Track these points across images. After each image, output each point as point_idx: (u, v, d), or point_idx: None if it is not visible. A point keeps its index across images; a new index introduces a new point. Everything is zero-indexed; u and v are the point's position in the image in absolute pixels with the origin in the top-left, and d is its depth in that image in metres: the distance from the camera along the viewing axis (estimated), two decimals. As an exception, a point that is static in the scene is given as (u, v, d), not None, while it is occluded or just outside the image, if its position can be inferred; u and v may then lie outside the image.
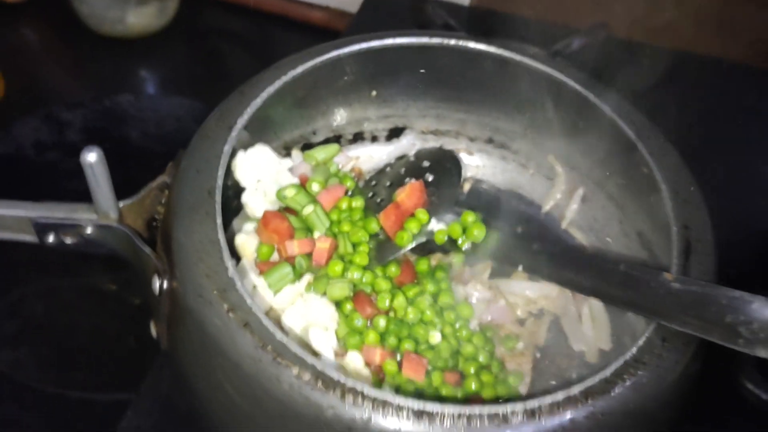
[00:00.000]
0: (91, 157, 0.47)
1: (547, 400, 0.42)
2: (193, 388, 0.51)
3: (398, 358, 0.58)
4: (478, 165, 0.79)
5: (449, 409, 0.41)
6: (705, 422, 0.62)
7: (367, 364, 0.57)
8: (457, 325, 0.62)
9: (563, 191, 0.75)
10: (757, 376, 0.58)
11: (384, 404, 0.41)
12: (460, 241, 0.64)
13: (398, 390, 0.56)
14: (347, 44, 0.68)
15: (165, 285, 0.49)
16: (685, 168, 0.58)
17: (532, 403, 0.42)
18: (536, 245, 0.60)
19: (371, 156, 0.78)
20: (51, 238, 0.53)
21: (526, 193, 0.78)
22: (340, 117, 0.76)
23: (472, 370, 0.59)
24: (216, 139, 0.56)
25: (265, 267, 0.59)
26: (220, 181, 0.52)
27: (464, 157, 0.79)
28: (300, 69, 0.63)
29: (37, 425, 0.74)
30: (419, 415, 0.41)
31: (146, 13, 1.03)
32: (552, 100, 0.70)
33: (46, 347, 0.81)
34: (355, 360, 0.56)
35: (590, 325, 0.67)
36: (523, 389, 0.61)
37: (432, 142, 0.80)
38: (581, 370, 0.64)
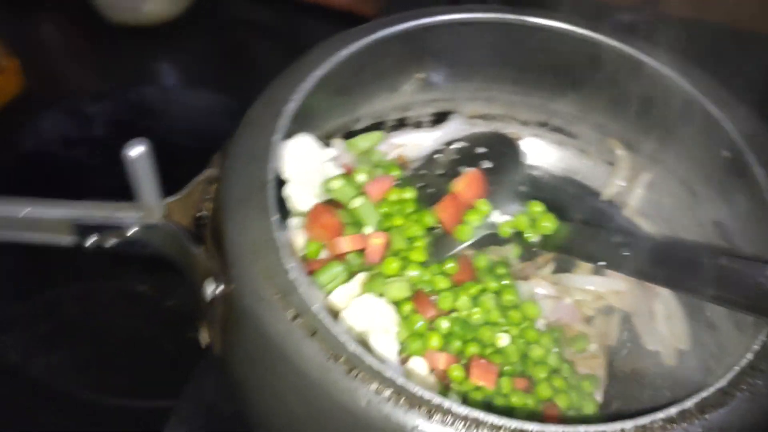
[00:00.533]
0: (136, 151, 0.42)
1: (660, 415, 0.37)
2: (249, 397, 0.47)
3: (462, 362, 0.54)
4: (530, 150, 0.74)
5: (551, 429, 0.36)
6: None
7: (431, 370, 0.52)
8: (523, 326, 0.57)
9: (626, 176, 0.70)
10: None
11: (477, 423, 0.37)
12: (527, 234, 0.59)
13: (465, 398, 0.52)
14: (393, 23, 0.62)
15: (221, 287, 0.45)
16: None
17: (643, 420, 0.37)
18: (618, 237, 0.55)
19: (417, 143, 0.73)
20: (91, 240, 0.48)
21: (585, 179, 0.73)
22: (383, 102, 0.71)
23: (543, 375, 0.55)
24: (264, 128, 0.51)
25: (314, 265, 0.54)
26: (271, 174, 0.47)
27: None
28: (346, 51, 0.58)
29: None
30: (517, 435, 0.36)
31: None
32: (617, 77, 0.65)
33: (81, 351, 0.79)
34: (419, 366, 0.52)
35: (665, 322, 0.62)
36: (598, 396, 0.56)
37: (480, 127, 0.75)
38: (658, 373, 0.59)
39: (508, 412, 0.48)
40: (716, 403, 0.39)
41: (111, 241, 0.49)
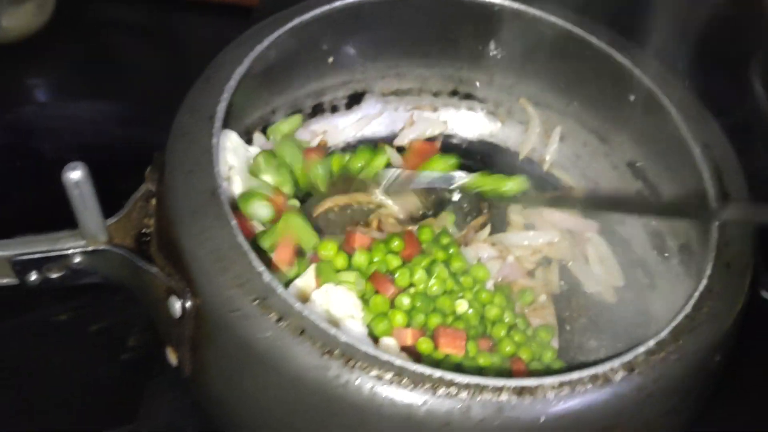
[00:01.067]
0: (76, 174, 0.40)
1: (641, 349, 0.40)
2: (233, 413, 0.45)
3: (428, 335, 0.55)
4: (445, 120, 0.76)
5: (549, 380, 0.38)
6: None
7: (401, 347, 0.53)
8: (476, 289, 0.59)
9: (538, 133, 0.73)
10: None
11: (481, 389, 0.38)
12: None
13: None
14: (295, 15, 0.62)
15: (188, 305, 0.43)
16: (684, 86, 0.57)
17: (628, 356, 0.40)
18: None
19: (337, 127, 0.73)
20: (34, 276, 0.45)
21: (500, 141, 0.76)
22: (296, 91, 0.70)
23: (502, 333, 0.57)
24: (198, 134, 0.49)
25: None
26: (221, 180, 0.46)
27: (428, 114, 0.76)
28: (265, 43, 0.57)
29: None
30: (520, 392, 0.38)
31: (22, 13, 0.92)
32: (516, 37, 0.68)
33: (12, 395, 0.73)
34: (390, 346, 0.52)
35: (599, 264, 0.66)
36: (555, 343, 0.59)
37: (393, 103, 0.76)
38: (602, 311, 0.63)
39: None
40: (686, 328, 0.42)
41: (56, 274, 0.45)
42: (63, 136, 0.92)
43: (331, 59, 0.69)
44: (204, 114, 0.51)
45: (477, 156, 0.75)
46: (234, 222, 0.44)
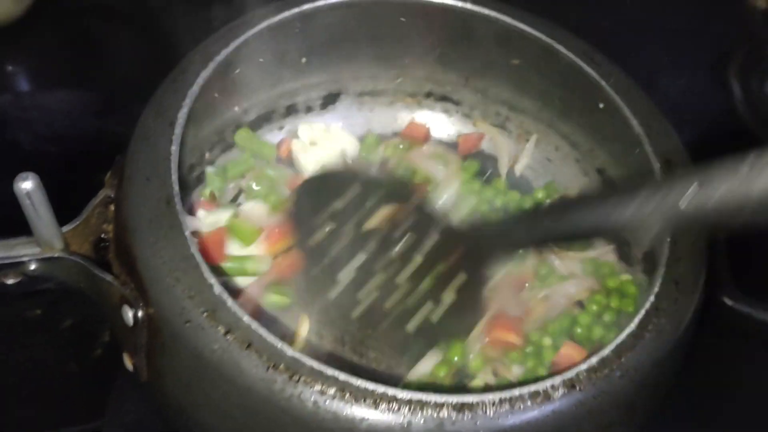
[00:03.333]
0: (28, 184, 0.40)
1: (584, 366, 0.41)
2: (189, 420, 0.46)
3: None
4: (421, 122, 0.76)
5: (489, 397, 0.39)
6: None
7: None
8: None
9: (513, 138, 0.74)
10: (736, 292, 0.60)
11: (422, 405, 0.38)
12: None
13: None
14: (268, 16, 0.62)
15: (140, 314, 0.43)
16: (646, 98, 0.58)
17: (570, 374, 0.40)
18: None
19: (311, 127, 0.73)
20: (-11, 282, 0.45)
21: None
22: (269, 91, 0.70)
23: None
24: (158, 140, 0.49)
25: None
26: (176, 187, 0.46)
27: (403, 112, 0.76)
28: (231, 47, 0.57)
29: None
30: (460, 408, 0.39)
31: (1, 0, 0.91)
32: (488, 42, 0.68)
33: (-22, 392, 0.73)
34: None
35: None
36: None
37: (369, 104, 0.76)
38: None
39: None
40: (630, 346, 0.42)
41: (12, 280, 0.46)
42: (38, 126, 0.92)
43: (304, 60, 0.69)
44: (166, 119, 0.51)
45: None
46: (188, 233, 0.44)
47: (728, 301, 0.62)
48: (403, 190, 0.61)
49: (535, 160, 0.73)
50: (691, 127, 0.80)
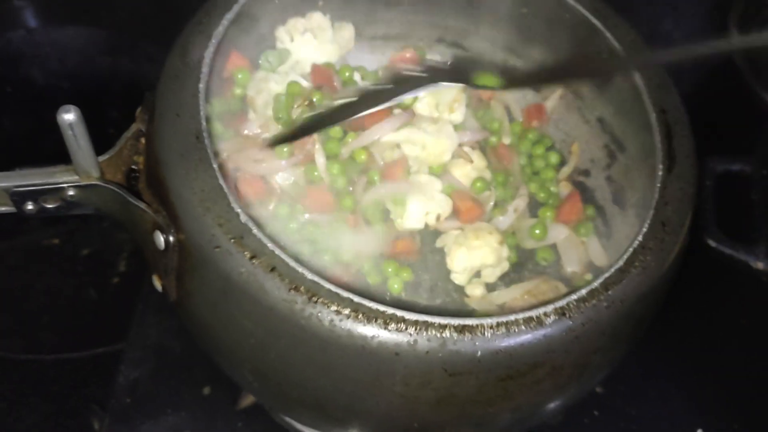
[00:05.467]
0: (70, 116, 0.43)
1: (574, 296, 0.45)
2: (214, 337, 0.51)
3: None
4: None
5: (488, 321, 0.43)
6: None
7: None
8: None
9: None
10: (719, 234, 0.64)
11: (427, 325, 0.43)
12: None
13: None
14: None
15: (171, 239, 0.47)
16: (649, 50, 0.60)
17: (561, 303, 0.45)
18: None
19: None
20: (30, 206, 0.49)
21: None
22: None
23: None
24: (187, 78, 0.52)
25: None
26: (204, 123, 0.50)
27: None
28: (254, -12, 0.59)
29: (16, 395, 0.72)
30: (461, 330, 0.43)
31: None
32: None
33: (4, 314, 0.77)
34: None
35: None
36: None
37: (381, 48, 0.78)
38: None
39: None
40: (617, 280, 0.47)
41: (51, 205, 0.50)
42: (51, 63, 0.94)
43: (321, 2, 0.71)
44: (193, 58, 0.54)
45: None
46: (216, 165, 0.48)
47: (712, 243, 0.66)
48: None
49: (541, 107, 0.76)
50: (692, 75, 0.83)
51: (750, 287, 0.75)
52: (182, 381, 0.70)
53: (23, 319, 0.79)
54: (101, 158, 0.51)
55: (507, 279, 0.62)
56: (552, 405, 0.51)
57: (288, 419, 0.65)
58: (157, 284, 0.52)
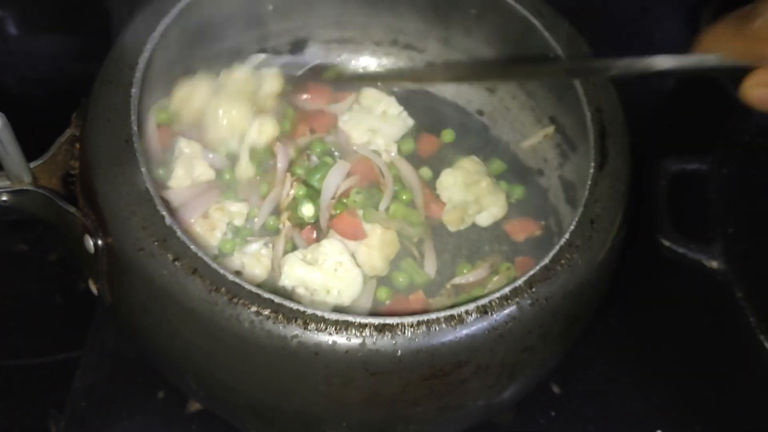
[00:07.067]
0: (-5, 122, 0.44)
1: (496, 294, 0.45)
2: (146, 338, 0.51)
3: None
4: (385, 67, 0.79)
5: (408, 320, 0.43)
6: (629, 284, 0.68)
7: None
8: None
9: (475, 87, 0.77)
10: (673, 233, 0.64)
11: (347, 325, 0.43)
12: None
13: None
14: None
15: (99, 243, 0.48)
16: (589, 50, 0.60)
17: (483, 301, 0.45)
18: None
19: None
20: (-37, 213, 0.49)
21: (437, 91, 0.79)
22: (238, 36, 0.73)
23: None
24: (120, 84, 0.53)
25: None
26: (135, 128, 0.50)
27: (369, 59, 0.78)
28: (189, -5, 0.59)
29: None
30: (381, 329, 0.43)
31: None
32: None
33: (-35, 324, 0.77)
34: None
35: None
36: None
37: (336, 51, 0.78)
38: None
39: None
40: (542, 277, 0.46)
41: (-16, 211, 0.50)
42: (24, 69, 0.95)
43: (270, 7, 0.71)
44: (127, 64, 0.54)
45: (415, 104, 0.77)
46: (144, 169, 0.48)
47: (665, 242, 0.66)
48: None
49: (495, 109, 0.76)
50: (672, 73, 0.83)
51: (706, 287, 0.75)
52: (138, 385, 0.70)
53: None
54: (33, 164, 0.51)
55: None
56: (488, 403, 0.51)
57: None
58: (93, 288, 0.53)
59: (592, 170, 0.52)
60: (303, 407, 0.47)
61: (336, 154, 0.68)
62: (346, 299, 0.57)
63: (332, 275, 0.57)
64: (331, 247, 0.57)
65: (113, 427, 0.67)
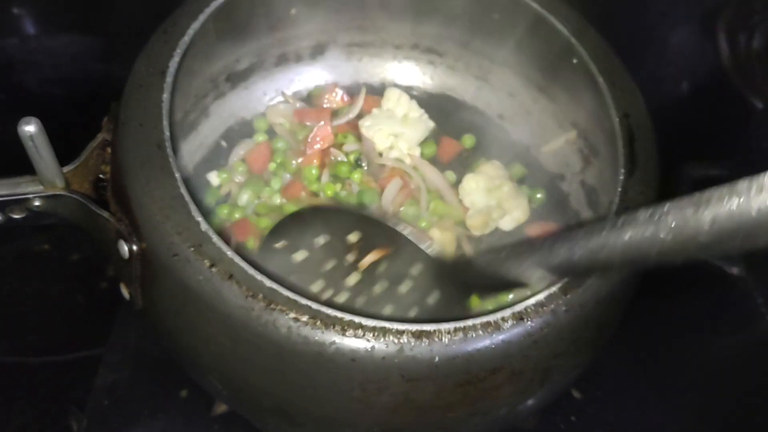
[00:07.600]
0: (31, 128, 0.44)
1: (532, 301, 0.45)
2: (178, 343, 0.51)
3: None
4: (407, 72, 0.79)
5: (445, 326, 0.43)
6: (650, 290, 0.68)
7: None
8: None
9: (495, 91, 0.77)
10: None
11: (384, 331, 0.43)
12: None
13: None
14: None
15: (134, 248, 0.48)
16: (615, 56, 0.60)
17: (519, 308, 0.45)
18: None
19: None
20: (-3, 216, 0.49)
21: (457, 95, 0.79)
22: (260, 40, 0.73)
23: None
24: (150, 88, 0.53)
25: None
26: (167, 132, 0.50)
27: (390, 63, 0.78)
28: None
29: (3, 397, 0.73)
30: (418, 335, 0.43)
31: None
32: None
33: (-10, 318, 0.78)
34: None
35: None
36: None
37: (357, 54, 0.78)
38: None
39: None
40: (576, 285, 0.47)
41: (18, 215, 0.50)
42: (44, 69, 0.95)
43: (293, 11, 0.72)
44: (158, 68, 0.54)
45: (436, 108, 0.77)
46: (177, 174, 0.48)
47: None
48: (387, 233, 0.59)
49: (515, 113, 0.76)
50: (688, 79, 0.83)
51: (727, 293, 0.75)
52: (160, 384, 0.70)
53: (11, 322, 0.79)
54: (66, 168, 0.51)
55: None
56: (517, 409, 0.51)
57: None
58: (125, 293, 0.53)
59: (621, 177, 0.52)
60: (334, 412, 0.47)
61: (363, 165, 0.68)
62: None
63: None
64: None
65: (135, 425, 0.68)
